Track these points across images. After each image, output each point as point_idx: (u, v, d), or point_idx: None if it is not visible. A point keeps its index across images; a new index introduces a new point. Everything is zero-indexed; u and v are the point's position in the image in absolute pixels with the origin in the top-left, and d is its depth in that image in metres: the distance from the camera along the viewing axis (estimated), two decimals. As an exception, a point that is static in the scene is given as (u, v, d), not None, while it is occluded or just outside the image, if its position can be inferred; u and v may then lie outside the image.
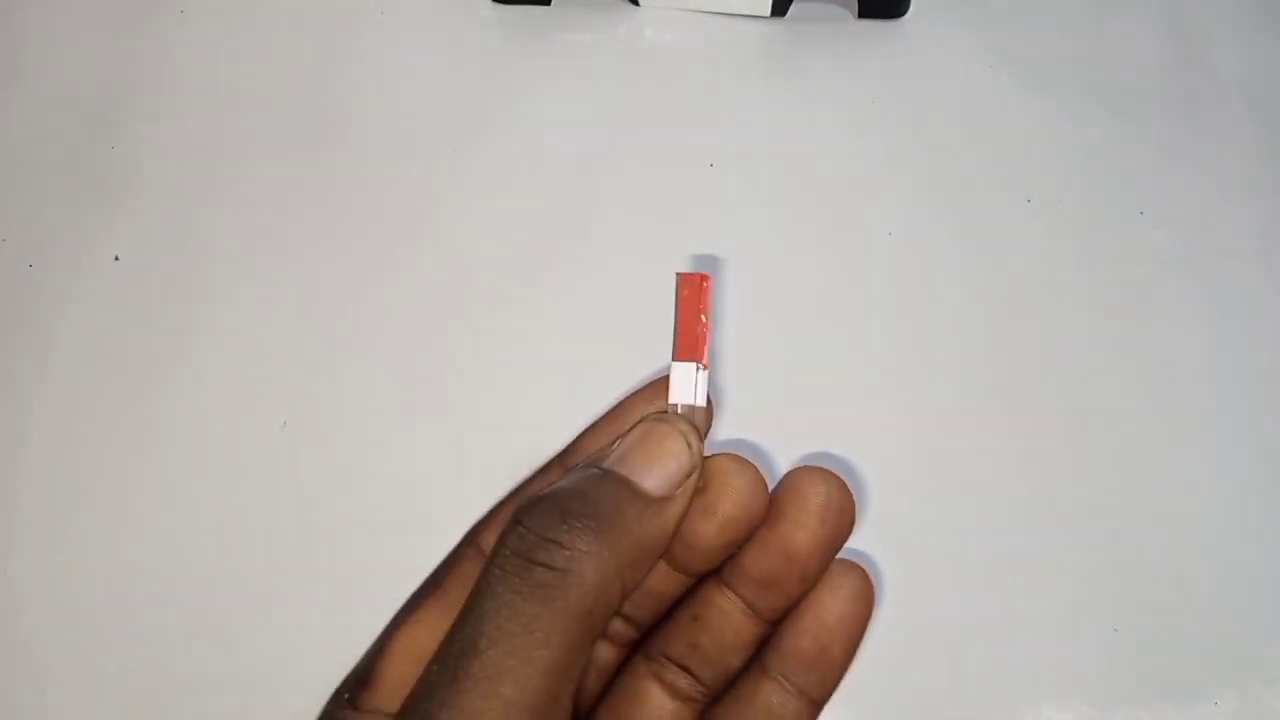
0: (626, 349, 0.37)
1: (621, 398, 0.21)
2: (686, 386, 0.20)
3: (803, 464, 0.20)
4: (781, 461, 0.36)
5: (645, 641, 0.21)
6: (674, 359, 0.21)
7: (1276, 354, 0.37)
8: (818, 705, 0.20)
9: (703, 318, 0.20)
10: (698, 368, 0.20)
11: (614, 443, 0.20)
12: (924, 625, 0.34)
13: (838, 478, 0.20)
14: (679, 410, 0.20)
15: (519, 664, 0.16)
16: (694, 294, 0.20)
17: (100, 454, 0.36)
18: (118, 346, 0.37)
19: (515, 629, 0.16)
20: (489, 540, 0.20)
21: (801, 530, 0.19)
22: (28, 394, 0.37)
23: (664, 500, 0.18)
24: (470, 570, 0.20)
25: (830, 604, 0.20)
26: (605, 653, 0.21)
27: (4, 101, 0.42)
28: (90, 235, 0.39)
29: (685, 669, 0.20)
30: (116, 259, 0.39)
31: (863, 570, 0.20)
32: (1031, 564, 0.35)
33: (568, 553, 0.17)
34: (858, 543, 0.35)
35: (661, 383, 0.21)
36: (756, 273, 0.38)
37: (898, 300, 0.38)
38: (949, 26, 0.42)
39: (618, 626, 0.21)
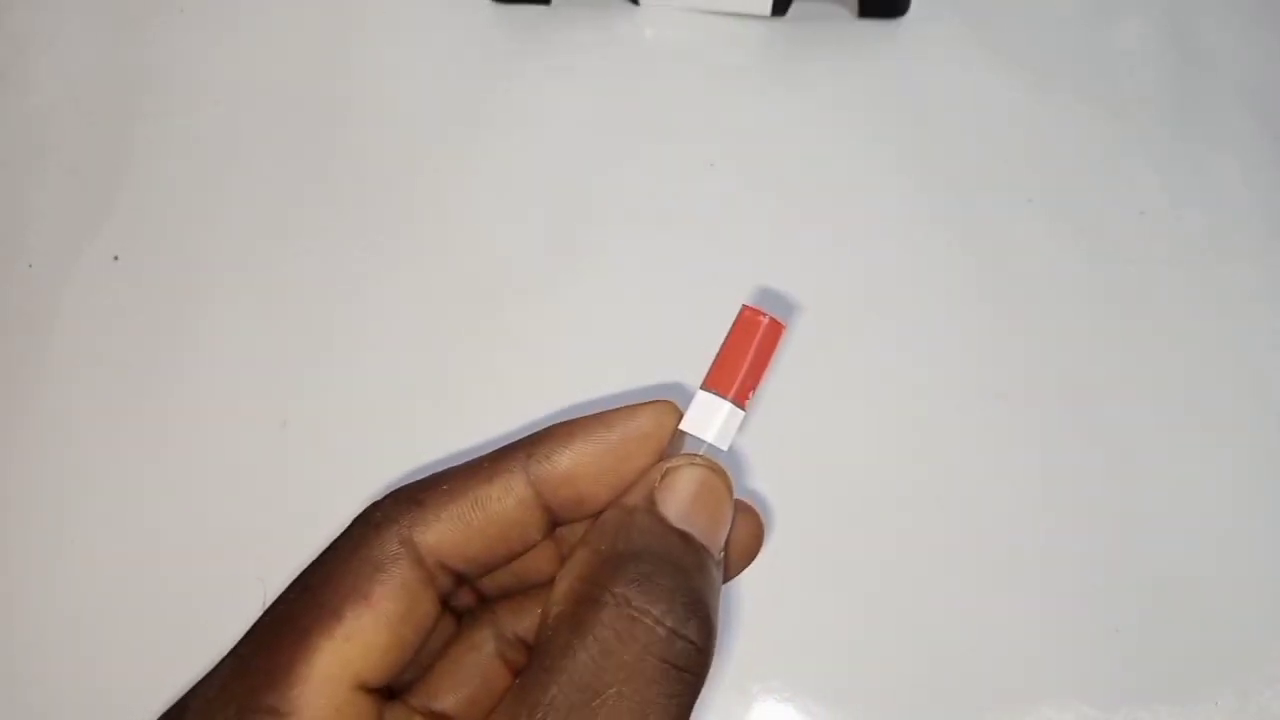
0: (626, 350, 0.37)
1: (615, 406, 0.20)
2: (713, 423, 0.19)
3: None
4: (777, 460, 0.36)
5: (499, 617, 0.21)
6: (704, 386, 0.20)
7: (1276, 354, 0.37)
8: None
9: (762, 362, 0.19)
10: (733, 408, 0.19)
11: (659, 474, 0.19)
12: (924, 625, 0.34)
13: (758, 517, 0.21)
14: (699, 441, 0.19)
15: None
16: (759, 336, 0.19)
17: (100, 454, 0.36)
18: (117, 346, 0.37)
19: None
20: (428, 539, 0.18)
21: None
22: (27, 394, 0.37)
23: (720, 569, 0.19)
24: (410, 580, 0.18)
25: None
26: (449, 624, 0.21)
27: (4, 101, 0.42)
28: (90, 235, 0.39)
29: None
30: (116, 259, 0.39)
31: None
32: (1031, 564, 0.34)
33: (700, 656, 0.17)
34: (857, 543, 0.35)
35: (653, 408, 0.20)
36: (756, 272, 0.38)
37: (897, 300, 0.38)
38: (949, 26, 0.42)
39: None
